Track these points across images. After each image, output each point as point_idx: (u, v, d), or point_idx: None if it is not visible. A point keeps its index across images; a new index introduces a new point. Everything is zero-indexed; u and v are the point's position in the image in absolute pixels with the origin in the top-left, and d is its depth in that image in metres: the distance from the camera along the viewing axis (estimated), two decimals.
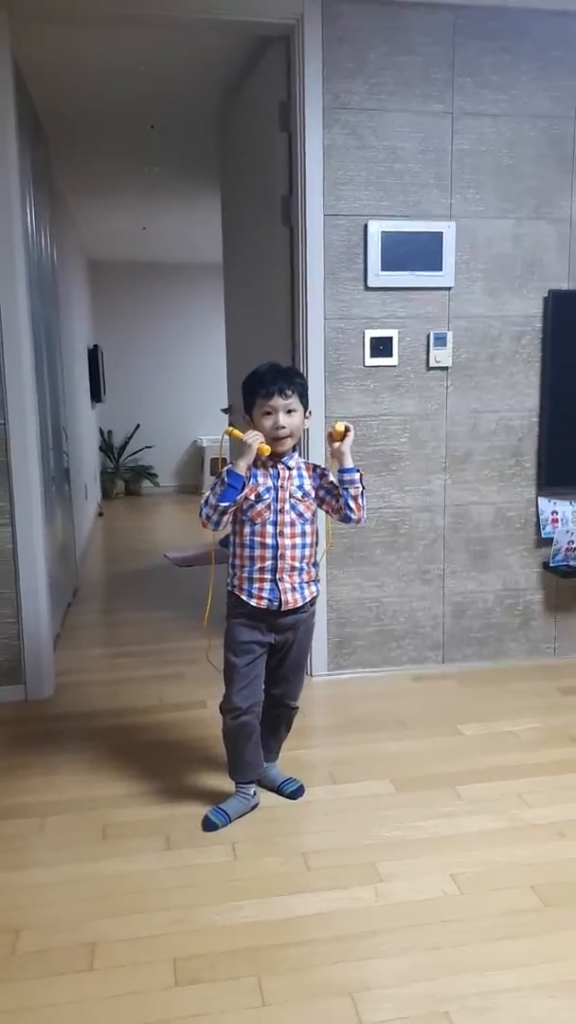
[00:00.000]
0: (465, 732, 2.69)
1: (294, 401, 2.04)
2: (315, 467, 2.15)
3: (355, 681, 3.15)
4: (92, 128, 4.27)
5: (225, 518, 2.03)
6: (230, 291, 4.05)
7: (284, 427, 2.02)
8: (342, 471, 2.08)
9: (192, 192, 5.54)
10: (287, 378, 2.04)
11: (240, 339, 3.87)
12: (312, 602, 2.17)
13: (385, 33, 2.88)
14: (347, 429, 2.09)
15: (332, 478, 2.11)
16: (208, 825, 2.13)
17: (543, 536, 3.23)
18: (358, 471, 2.09)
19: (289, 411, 2.03)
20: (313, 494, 2.11)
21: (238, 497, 2.01)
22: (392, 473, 3.11)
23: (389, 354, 3.05)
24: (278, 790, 2.30)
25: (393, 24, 2.88)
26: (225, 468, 2.04)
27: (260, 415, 2.04)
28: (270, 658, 2.18)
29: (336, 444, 2.08)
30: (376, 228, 2.96)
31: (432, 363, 3.07)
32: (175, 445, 8.89)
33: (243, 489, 2.01)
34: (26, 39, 2.97)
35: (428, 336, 3.06)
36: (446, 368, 3.09)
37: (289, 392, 2.02)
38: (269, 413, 2.02)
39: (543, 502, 3.22)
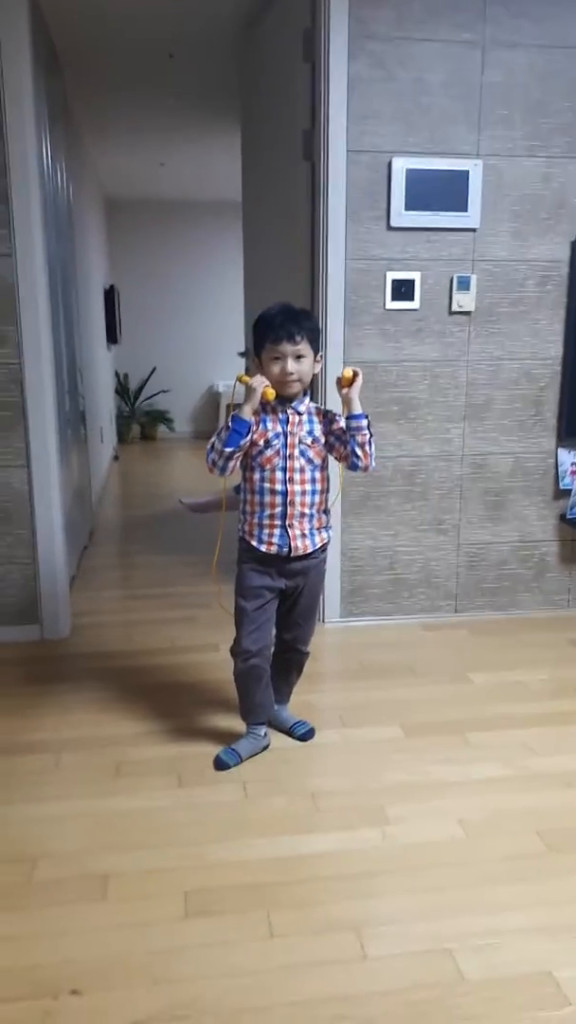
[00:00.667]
0: (475, 681, 2.71)
1: (304, 346, 1.99)
2: (326, 412, 2.11)
3: (367, 629, 3.17)
4: (109, 58, 4.13)
5: (231, 463, 2.01)
6: (249, 230, 3.95)
7: (292, 373, 1.99)
8: (350, 417, 2.05)
9: (211, 126, 5.38)
10: (297, 322, 1.99)
11: (258, 279, 3.80)
12: (323, 549, 2.16)
13: None
14: (355, 374, 2.05)
15: (342, 424, 2.07)
16: (220, 764, 2.17)
17: (561, 488, 3.19)
18: (366, 417, 2.05)
19: (298, 356, 1.99)
20: (323, 440, 2.08)
21: (243, 442, 1.99)
22: (410, 421, 3.07)
23: (411, 297, 2.98)
24: (289, 732, 2.34)
25: None
26: (232, 413, 2.02)
27: (269, 360, 2.00)
28: (281, 603, 2.20)
29: (344, 390, 2.05)
30: (401, 165, 2.86)
31: (455, 307, 3.00)
32: (191, 390, 8.83)
33: (248, 434, 1.99)
34: None
35: (451, 279, 2.98)
36: (469, 313, 3.02)
37: (299, 338, 1.98)
38: (278, 358, 1.99)
39: (563, 453, 3.17)
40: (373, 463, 2.08)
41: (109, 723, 2.43)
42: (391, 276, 2.94)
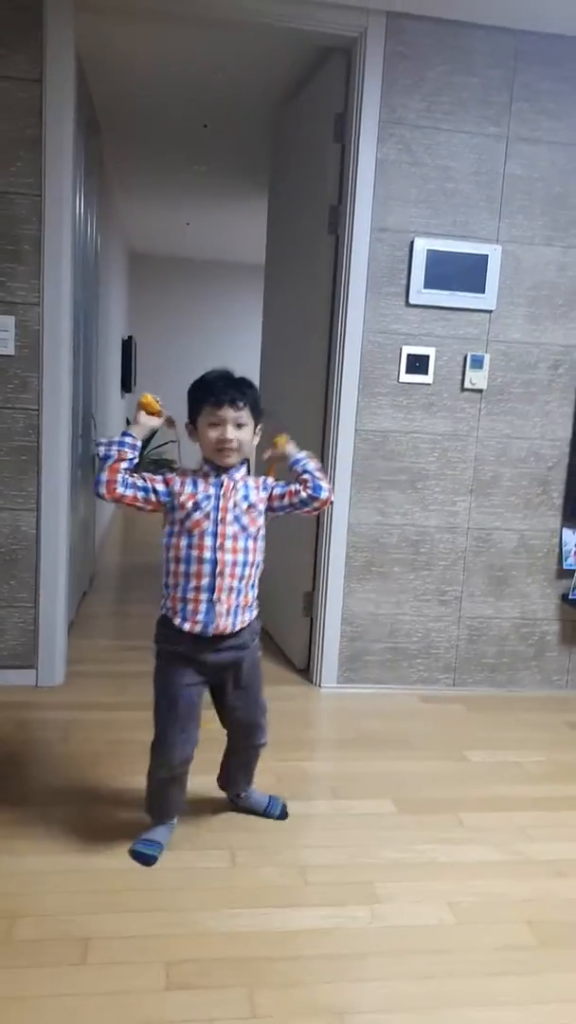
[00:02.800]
0: (471, 758, 2.68)
1: (245, 414, 1.88)
2: (264, 479, 2.00)
3: (363, 696, 3.15)
4: (146, 123, 4.30)
5: (104, 475, 1.87)
6: (270, 294, 4.05)
7: (232, 440, 1.86)
8: (293, 462, 2.01)
9: (238, 192, 5.56)
10: (239, 388, 1.88)
11: (276, 341, 3.88)
12: (251, 634, 2.00)
13: (446, 52, 2.88)
14: (286, 439, 2.06)
15: (280, 486, 2.00)
16: (145, 860, 1.98)
17: (565, 567, 3.21)
18: (308, 454, 2.03)
19: (239, 424, 1.87)
20: (261, 507, 1.94)
21: (117, 442, 1.89)
22: (417, 491, 3.10)
23: (425, 372, 3.04)
24: (265, 814, 2.22)
25: (454, 44, 2.88)
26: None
27: (206, 425, 1.88)
28: (217, 699, 2.05)
29: (276, 452, 2.03)
30: (422, 245, 2.96)
31: (467, 384, 3.06)
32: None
33: (129, 448, 1.90)
34: (89, 32, 3.00)
35: (465, 357, 3.05)
36: (481, 391, 3.08)
37: (241, 403, 1.87)
38: (216, 424, 1.87)
39: (567, 533, 3.20)
40: (334, 489, 2.02)
41: (98, 777, 2.39)
42: (407, 350, 3.01)
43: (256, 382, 4.36)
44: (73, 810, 2.21)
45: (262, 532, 1.97)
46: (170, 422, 1.98)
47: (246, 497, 1.92)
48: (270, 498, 1.97)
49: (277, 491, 1.98)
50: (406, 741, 2.78)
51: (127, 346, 6.93)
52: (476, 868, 2.06)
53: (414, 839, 2.17)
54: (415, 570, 3.16)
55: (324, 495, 1.98)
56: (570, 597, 3.21)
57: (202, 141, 4.53)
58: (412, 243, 2.96)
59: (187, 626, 1.91)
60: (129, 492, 1.89)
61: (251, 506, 1.92)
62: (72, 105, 2.80)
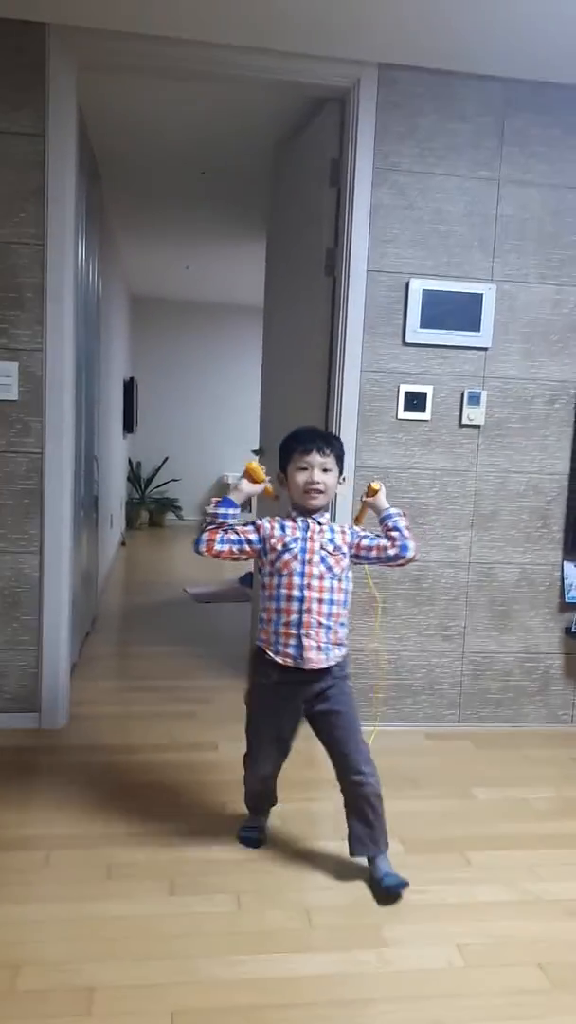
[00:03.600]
0: (478, 796, 2.66)
1: (330, 461, 2.07)
2: (351, 528, 2.15)
3: (367, 734, 3.11)
4: (145, 171, 4.40)
5: (205, 535, 2.07)
6: (269, 334, 4.11)
7: (318, 483, 2.04)
8: (386, 513, 2.15)
9: (237, 236, 5.67)
10: (326, 439, 2.10)
11: (275, 382, 3.93)
12: (341, 671, 2.11)
13: (437, 101, 2.96)
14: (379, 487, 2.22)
15: (367, 537, 2.13)
16: (251, 843, 2.25)
17: (567, 601, 3.21)
18: (399, 509, 2.18)
19: (325, 470, 2.06)
20: (346, 550, 2.09)
21: (220, 513, 2.07)
22: (418, 527, 3.11)
23: (422, 409, 3.08)
24: (373, 883, 2.07)
25: (446, 93, 2.96)
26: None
27: (295, 470, 2.07)
28: (317, 732, 2.13)
29: (370, 499, 2.18)
30: (417, 286, 3.01)
31: (465, 420, 3.10)
32: (201, 479, 8.96)
33: (234, 510, 2.08)
34: (90, 84, 3.09)
35: (462, 394, 3.09)
36: (478, 426, 3.11)
37: (327, 451, 2.06)
38: (305, 468, 2.05)
39: (569, 567, 3.20)
40: (416, 547, 2.14)
41: (102, 821, 2.37)
42: (404, 388, 3.05)
43: (256, 420, 4.41)
44: (77, 855, 2.19)
45: (348, 574, 2.10)
46: (268, 491, 2.14)
47: (331, 540, 2.08)
48: (357, 547, 2.11)
49: (365, 543, 2.11)
50: (412, 780, 2.75)
51: (129, 387, 7.01)
52: (485, 908, 2.03)
53: (421, 879, 2.14)
54: (417, 605, 3.16)
55: (410, 554, 2.12)
56: (573, 631, 3.20)
57: (200, 188, 4.63)
58: (408, 284, 3.01)
59: (279, 659, 2.06)
60: (225, 547, 2.07)
61: (336, 548, 2.07)
62: (74, 158, 2.87)
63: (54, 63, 2.77)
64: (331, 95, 3.04)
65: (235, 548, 2.07)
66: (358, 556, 2.12)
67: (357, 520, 2.28)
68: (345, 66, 2.89)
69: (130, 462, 8.49)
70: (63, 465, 2.95)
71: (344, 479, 2.16)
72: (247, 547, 2.08)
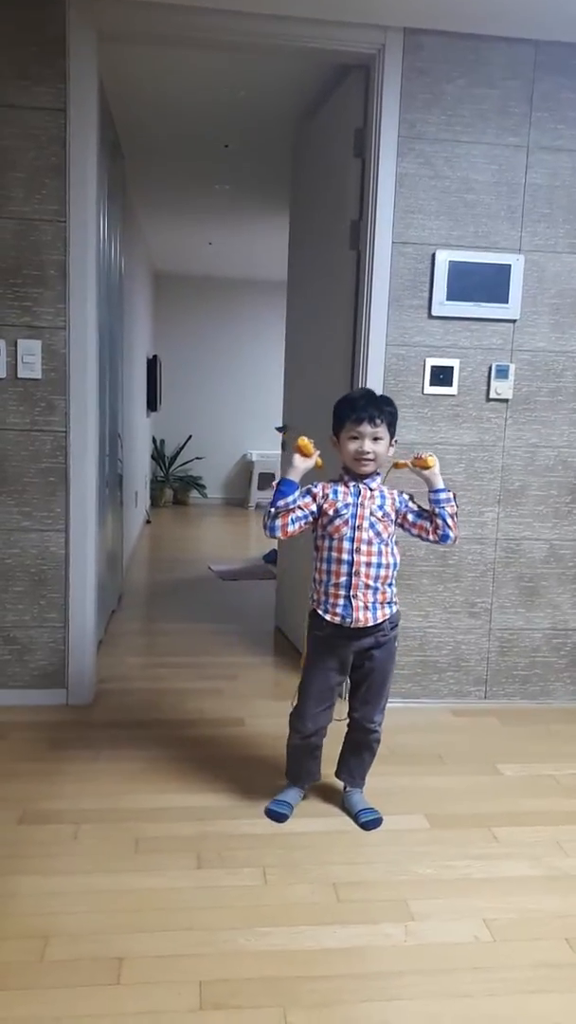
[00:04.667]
0: (504, 772, 2.65)
1: (382, 430, 2.10)
2: (400, 492, 2.20)
3: (394, 711, 3.09)
4: (167, 145, 4.36)
5: (278, 522, 2.12)
6: (292, 310, 4.07)
7: (368, 452, 2.09)
8: (436, 491, 2.16)
9: (260, 211, 5.61)
10: (378, 406, 2.11)
11: (299, 358, 3.89)
12: (391, 624, 2.20)
13: (464, 66, 2.88)
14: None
15: (415, 506, 2.19)
16: (277, 817, 2.27)
17: None
18: (451, 491, 2.18)
19: (376, 438, 2.10)
20: (394, 516, 2.15)
21: (288, 500, 2.10)
22: None
23: (449, 383, 3.03)
24: (355, 817, 2.30)
25: (473, 57, 2.88)
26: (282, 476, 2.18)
27: (347, 438, 2.11)
28: (353, 675, 2.25)
29: (427, 471, 2.17)
30: (444, 257, 2.96)
31: (492, 395, 3.05)
32: (225, 458, 8.96)
33: (295, 493, 2.11)
34: (110, 58, 3.05)
35: (490, 368, 3.04)
36: (506, 400, 3.07)
37: (379, 420, 2.09)
38: (356, 438, 2.09)
39: None
40: (456, 536, 2.18)
41: (130, 795, 2.40)
42: (430, 362, 3.01)
43: (280, 397, 4.38)
44: (105, 828, 2.22)
45: (395, 538, 2.18)
46: (319, 464, 2.16)
47: (381, 507, 2.14)
48: (403, 517, 2.18)
49: (411, 517, 2.18)
50: (439, 756, 2.75)
51: (152, 365, 7.00)
52: (511, 884, 2.03)
53: (448, 855, 2.14)
54: (443, 582, 3.13)
55: (448, 543, 2.19)
56: None
57: (223, 161, 4.58)
58: (434, 255, 2.96)
59: (328, 617, 2.15)
60: (295, 527, 2.14)
61: (385, 515, 2.14)
62: (95, 133, 2.84)
63: (74, 35, 2.74)
64: (355, 63, 2.98)
65: (303, 524, 2.15)
66: (400, 525, 2.19)
67: (396, 465, 2.25)
68: (369, 32, 2.82)
69: (154, 440, 8.51)
70: (87, 443, 2.95)
71: (396, 442, 2.19)
72: (311, 519, 2.16)
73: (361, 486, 2.14)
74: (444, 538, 2.15)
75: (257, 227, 6.09)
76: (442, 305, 2.98)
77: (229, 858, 2.09)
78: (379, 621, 2.15)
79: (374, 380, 2.98)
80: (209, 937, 1.79)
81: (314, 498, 2.15)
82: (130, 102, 3.69)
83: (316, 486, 2.17)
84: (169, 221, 6.13)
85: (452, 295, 2.97)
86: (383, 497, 2.15)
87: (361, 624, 2.13)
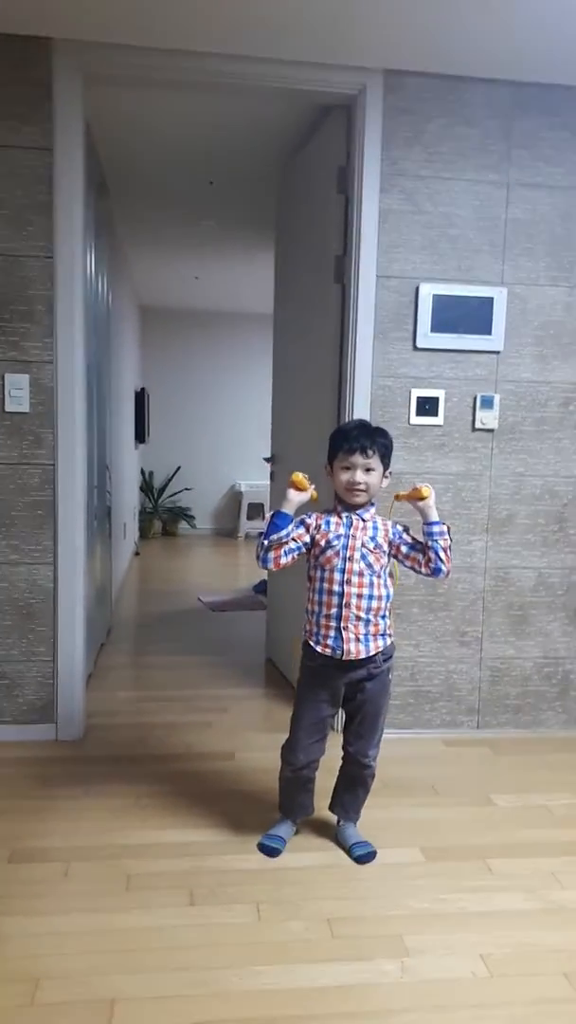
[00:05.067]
0: (498, 803, 2.63)
1: (374, 461, 2.10)
2: (395, 524, 2.19)
3: (386, 742, 3.07)
4: (153, 183, 4.42)
5: (271, 555, 2.13)
6: (279, 342, 4.12)
7: (360, 483, 2.09)
8: (431, 524, 2.13)
9: (246, 246, 5.68)
10: (371, 437, 2.11)
11: (286, 389, 3.93)
12: (385, 657, 2.18)
13: (445, 105, 2.96)
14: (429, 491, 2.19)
15: (408, 537, 2.17)
16: (270, 851, 2.24)
17: None
18: (445, 524, 2.15)
19: (368, 469, 2.10)
20: (387, 547, 2.14)
21: (281, 535, 2.11)
22: None
23: (435, 414, 3.06)
24: (348, 850, 2.28)
25: (453, 97, 2.96)
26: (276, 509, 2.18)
27: (340, 468, 2.12)
28: (346, 707, 2.23)
29: (420, 503, 2.15)
30: (428, 291, 3.00)
31: (478, 425, 3.08)
32: (214, 488, 8.98)
33: (289, 526, 2.12)
34: (97, 98, 3.11)
35: (475, 398, 3.07)
36: (492, 430, 3.10)
37: (371, 452, 2.09)
38: (348, 468, 2.10)
39: None
40: (449, 571, 2.15)
41: (121, 832, 2.37)
42: (416, 393, 3.04)
43: (268, 428, 4.40)
44: (95, 866, 2.18)
45: (387, 569, 2.17)
46: (314, 497, 2.19)
47: (373, 538, 2.13)
48: (396, 549, 2.16)
49: (404, 549, 2.16)
50: (432, 787, 2.73)
51: (140, 398, 7.03)
52: (508, 917, 2.01)
53: (443, 888, 2.12)
54: (433, 611, 3.14)
55: (440, 577, 2.15)
56: None
57: (209, 197, 4.65)
58: (418, 289, 3.00)
59: (319, 649, 2.14)
60: (288, 558, 2.14)
61: (377, 547, 2.12)
62: (81, 171, 2.89)
63: (59, 78, 2.79)
64: (338, 102, 3.05)
65: (296, 555, 2.15)
66: (395, 556, 2.18)
67: (397, 497, 2.24)
68: (351, 73, 2.90)
69: (142, 472, 8.52)
70: (75, 476, 2.96)
71: (390, 474, 2.20)
72: (304, 550, 2.16)
73: (354, 517, 2.14)
74: (436, 571, 2.12)
75: (243, 261, 6.17)
76: (426, 337, 3.02)
77: (222, 894, 2.07)
78: (371, 654, 2.14)
79: (361, 411, 3.01)
80: (202, 976, 1.76)
81: (307, 529, 2.16)
82: (116, 140, 3.76)
83: (310, 516, 2.18)
84: (155, 256, 6.20)
85: (436, 327, 3.02)
86: (376, 528, 2.14)
87: (352, 656, 2.11)
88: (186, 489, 8.85)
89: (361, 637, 2.12)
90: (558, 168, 3.03)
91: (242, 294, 7.49)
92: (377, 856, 2.27)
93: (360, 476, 2.09)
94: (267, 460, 4.11)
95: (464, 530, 3.12)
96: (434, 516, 2.14)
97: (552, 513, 3.16)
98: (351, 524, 2.13)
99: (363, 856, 2.25)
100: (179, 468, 8.81)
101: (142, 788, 2.64)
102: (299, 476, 2.15)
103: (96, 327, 3.70)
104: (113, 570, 4.97)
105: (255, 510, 8.31)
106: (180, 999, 1.69)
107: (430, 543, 2.12)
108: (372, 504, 2.18)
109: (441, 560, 2.11)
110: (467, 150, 2.99)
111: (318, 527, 2.15)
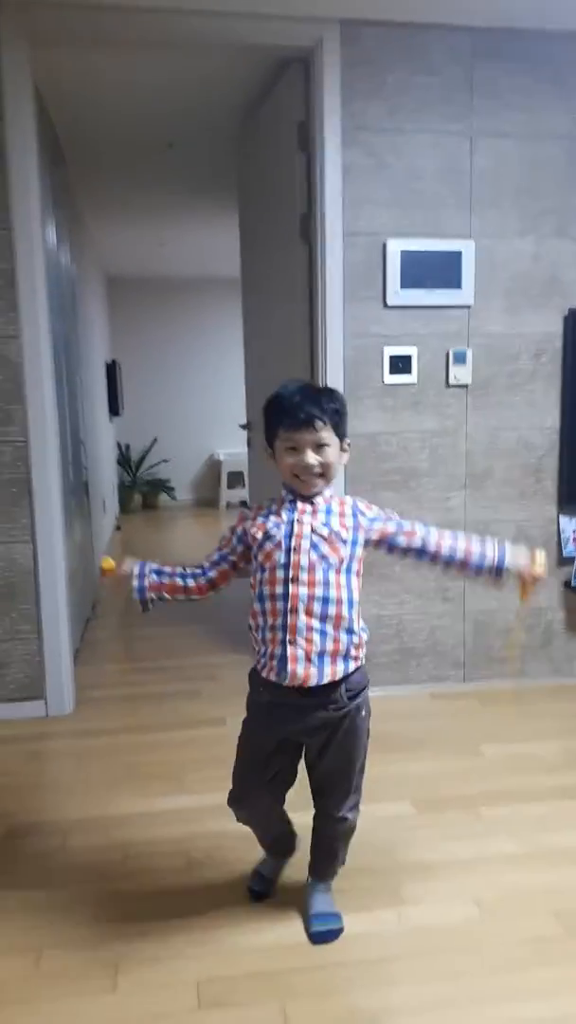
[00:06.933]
0: (486, 753, 2.68)
1: (327, 433, 1.59)
2: (354, 503, 1.67)
3: (374, 700, 3.10)
4: (111, 148, 4.32)
5: (182, 597, 1.75)
6: (248, 306, 4.07)
7: (312, 466, 1.59)
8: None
9: (209, 208, 5.58)
10: (318, 404, 1.59)
11: (258, 354, 3.89)
12: (351, 694, 1.67)
13: (403, 55, 2.90)
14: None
15: (389, 525, 1.68)
16: (258, 897, 1.91)
17: (565, 555, 3.21)
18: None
19: (320, 446, 1.59)
20: (348, 536, 1.62)
21: (152, 585, 1.74)
22: (411, 490, 3.11)
23: (408, 371, 3.05)
24: (306, 921, 1.81)
25: (411, 45, 2.90)
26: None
27: (283, 450, 1.61)
28: (306, 756, 1.76)
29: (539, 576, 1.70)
30: (395, 247, 2.97)
31: (451, 381, 3.07)
32: (192, 459, 8.93)
33: (142, 595, 1.74)
34: (46, 63, 3.01)
35: (447, 354, 3.06)
36: (465, 386, 3.09)
37: (320, 423, 1.58)
38: (294, 448, 1.60)
39: (564, 520, 3.20)
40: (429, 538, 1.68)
41: (115, 802, 2.39)
42: (388, 352, 3.02)
43: (243, 394, 4.36)
44: (93, 837, 2.21)
45: (354, 565, 1.64)
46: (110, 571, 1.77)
47: (327, 524, 1.61)
48: (379, 534, 1.66)
49: (391, 528, 1.66)
50: (421, 741, 2.77)
51: (111, 370, 6.94)
52: (499, 862, 2.06)
53: (435, 838, 2.17)
54: (416, 568, 3.15)
55: (426, 557, 1.69)
56: (572, 584, 3.21)
57: (169, 161, 4.55)
58: (385, 245, 2.97)
59: (264, 673, 1.65)
60: (212, 572, 1.72)
61: (333, 533, 1.61)
62: (34, 139, 2.81)
63: (5, 40, 2.70)
64: (294, 56, 2.98)
65: (227, 568, 1.71)
66: (382, 544, 1.68)
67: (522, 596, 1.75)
68: (306, 24, 2.82)
69: (119, 445, 8.45)
70: (48, 452, 2.92)
71: (349, 445, 1.68)
72: (233, 557, 1.70)
73: (299, 501, 1.64)
74: (420, 554, 1.69)
75: (207, 225, 6.07)
76: (396, 294, 3.00)
77: (219, 858, 2.09)
78: (324, 680, 1.60)
79: (334, 372, 2.99)
80: (204, 936, 1.79)
81: (233, 532, 1.69)
82: (69, 106, 3.65)
83: (247, 511, 1.72)
84: (119, 224, 6.08)
85: (406, 283, 2.99)
86: (329, 512, 1.63)
87: (300, 681, 1.58)
88: (164, 461, 8.79)
89: (313, 657, 1.59)
90: (522, 115, 2.99)
91: (210, 258, 7.38)
92: (369, 811, 2.22)
93: (311, 457, 1.58)
94: (244, 427, 4.08)
95: (442, 487, 3.13)
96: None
97: (528, 466, 3.17)
98: (295, 509, 1.62)
99: (321, 934, 1.76)
100: (156, 440, 8.74)
101: (135, 758, 2.66)
102: (108, 562, 1.76)
103: (61, 300, 3.64)
104: (95, 545, 4.95)
105: (235, 479, 8.28)
106: (184, 959, 1.72)
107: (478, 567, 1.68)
108: (328, 487, 1.66)
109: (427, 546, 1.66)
110: (429, 100, 2.94)
111: (255, 520, 1.65)
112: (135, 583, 1.71)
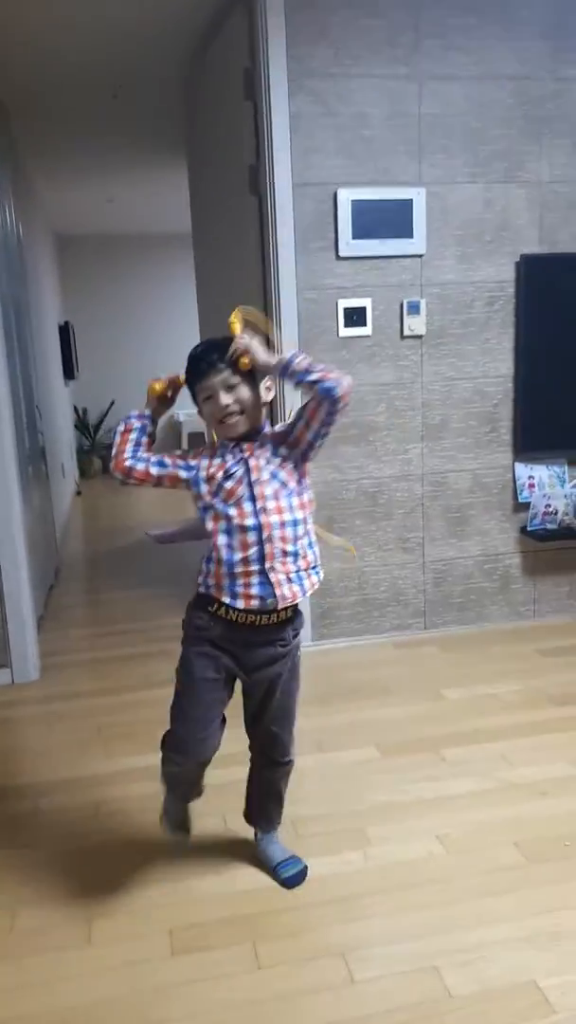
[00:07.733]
0: (448, 696, 2.75)
1: (230, 375, 1.62)
2: (276, 428, 1.73)
3: (339, 651, 3.19)
4: (54, 100, 4.17)
5: (112, 451, 1.75)
6: (200, 262, 4.01)
7: (227, 405, 1.62)
8: (283, 368, 1.60)
9: (158, 162, 5.44)
10: (219, 350, 1.63)
11: (212, 310, 3.84)
12: (294, 632, 1.76)
13: None
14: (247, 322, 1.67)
15: (295, 414, 1.69)
16: (187, 830, 1.90)
17: (520, 501, 3.27)
18: (295, 352, 1.62)
19: (229, 387, 1.62)
20: (289, 451, 1.67)
21: (124, 424, 1.75)
22: (369, 443, 3.12)
23: (363, 324, 3.04)
24: (273, 872, 1.87)
25: None
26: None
27: (202, 401, 1.66)
28: (246, 700, 1.78)
29: (246, 354, 1.61)
30: (346, 196, 2.94)
31: (406, 331, 3.07)
32: None
33: (137, 418, 1.75)
34: None
35: (401, 304, 3.05)
36: (420, 336, 3.09)
37: (221, 364, 1.62)
38: (209, 396, 1.64)
39: (520, 467, 3.25)
40: (345, 381, 1.59)
41: (87, 763, 2.41)
42: (343, 304, 3.01)
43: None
44: (66, 798, 2.23)
45: (306, 485, 1.71)
46: (164, 387, 1.76)
47: (275, 452, 1.67)
48: (296, 434, 1.67)
49: (297, 420, 1.67)
50: (384, 688, 2.83)
51: (64, 332, 6.80)
52: (461, 800, 2.12)
53: (400, 780, 2.23)
54: (375, 521, 3.19)
55: (339, 392, 1.58)
56: (528, 529, 3.27)
57: (115, 112, 4.42)
58: (336, 195, 2.93)
59: (240, 603, 1.66)
60: (140, 466, 1.71)
61: (283, 458, 1.67)
62: None
63: None
64: None
65: (153, 470, 1.71)
66: (299, 442, 1.67)
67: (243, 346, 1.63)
68: None
69: (76, 410, 8.32)
70: (1, 419, 2.87)
71: (271, 383, 1.68)
72: (170, 470, 1.70)
73: (242, 443, 1.67)
74: (328, 392, 1.57)
75: (156, 179, 5.92)
76: (348, 245, 2.97)
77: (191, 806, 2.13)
78: (308, 593, 1.72)
79: (289, 326, 2.97)
80: (177, 886, 1.83)
81: (185, 460, 1.71)
82: (8, 57, 3.51)
83: (193, 452, 1.74)
84: (66, 181, 5.91)
85: (358, 234, 2.97)
86: (268, 444, 1.68)
87: (288, 601, 1.68)
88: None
89: (293, 576, 1.67)
90: (469, 57, 2.95)
91: (160, 213, 7.21)
92: (335, 757, 2.34)
93: (224, 398, 1.62)
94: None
95: (400, 439, 3.15)
96: (274, 359, 1.61)
97: (483, 415, 3.20)
98: (242, 450, 1.67)
99: (292, 877, 1.85)
100: (113, 402, 8.63)
101: (104, 720, 2.68)
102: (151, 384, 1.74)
103: (8, 260, 3.55)
104: (55, 511, 4.90)
105: (196, 439, 8.22)
106: (155, 909, 1.76)
107: (303, 382, 1.59)
108: (261, 429, 1.70)
109: (322, 379, 1.56)
110: (375, 44, 2.88)
111: (209, 460, 1.69)
112: (130, 416, 1.78)
